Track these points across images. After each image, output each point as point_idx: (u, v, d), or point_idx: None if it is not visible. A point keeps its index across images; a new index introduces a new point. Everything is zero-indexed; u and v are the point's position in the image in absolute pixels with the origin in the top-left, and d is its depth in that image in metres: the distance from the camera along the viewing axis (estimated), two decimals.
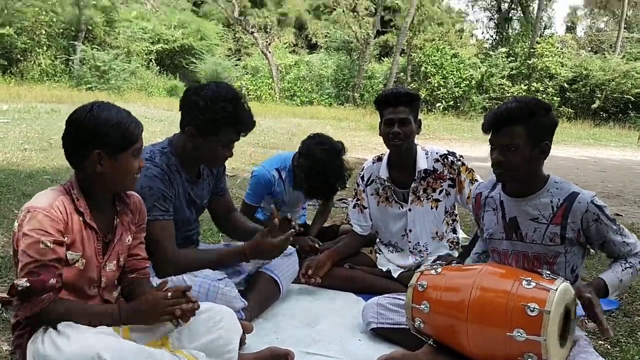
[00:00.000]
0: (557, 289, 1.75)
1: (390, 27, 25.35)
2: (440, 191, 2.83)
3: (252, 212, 3.25)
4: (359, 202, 2.97)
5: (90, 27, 19.83)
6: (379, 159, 2.92)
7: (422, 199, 2.83)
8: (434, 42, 22.78)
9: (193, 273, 2.22)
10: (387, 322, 2.27)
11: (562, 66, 21.81)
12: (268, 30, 28.78)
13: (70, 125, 1.67)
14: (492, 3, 25.26)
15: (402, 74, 22.73)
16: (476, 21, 31.73)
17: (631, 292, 2.95)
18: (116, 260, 1.81)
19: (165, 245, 2.18)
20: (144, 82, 19.88)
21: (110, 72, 18.55)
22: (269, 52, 21.79)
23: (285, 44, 28.49)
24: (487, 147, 2.07)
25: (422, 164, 2.79)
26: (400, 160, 2.82)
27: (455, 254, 2.86)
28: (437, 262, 2.17)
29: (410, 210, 2.84)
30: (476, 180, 2.79)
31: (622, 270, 1.98)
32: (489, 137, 2.04)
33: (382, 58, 27.85)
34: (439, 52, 21.80)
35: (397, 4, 25.90)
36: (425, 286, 1.99)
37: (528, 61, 21.77)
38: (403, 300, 2.12)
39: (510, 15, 24.42)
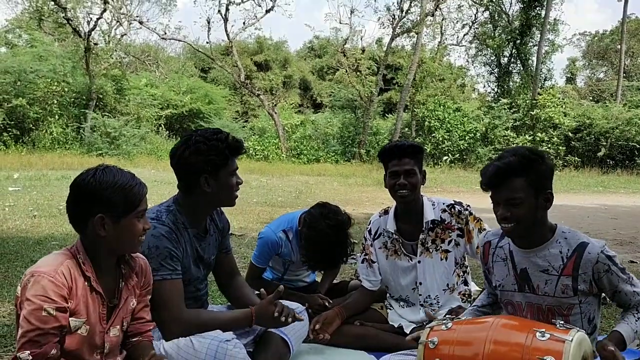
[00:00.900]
0: (572, 339, 1.70)
1: (393, 85, 25.93)
2: (450, 241, 2.80)
3: (259, 274, 3.21)
4: (367, 256, 2.93)
5: (101, 96, 20.38)
6: (386, 212, 2.91)
7: (431, 250, 2.80)
8: (436, 97, 23.19)
9: (201, 334, 2.17)
10: None
11: (565, 116, 22.03)
12: (274, 92, 29.54)
13: (73, 190, 1.68)
14: (491, 58, 25.82)
15: (406, 129, 23.04)
16: (477, 75, 32.30)
17: None
18: (120, 325, 1.78)
19: (174, 304, 2.14)
20: (154, 147, 20.21)
21: (120, 137, 18.90)
22: (275, 113, 22.22)
23: (291, 104, 29.14)
24: None
25: (430, 214, 2.77)
26: (408, 212, 2.81)
27: (467, 306, 2.79)
28: (447, 316, 2.12)
29: (419, 262, 2.80)
30: (484, 229, 2.76)
31: (636, 320, 1.95)
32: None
33: (387, 114, 28.35)
34: (442, 107, 22.16)
35: (398, 62, 26.62)
36: (436, 343, 1.93)
37: (531, 112, 22.03)
38: (415, 357, 2.06)
39: (510, 68, 24.92)
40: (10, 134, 17.98)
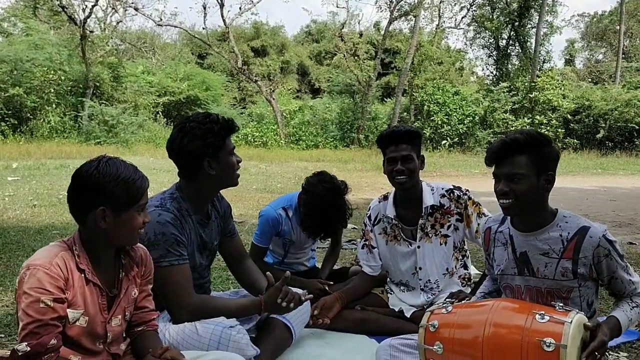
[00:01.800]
0: (571, 321, 1.71)
1: (391, 69, 25.82)
2: (449, 226, 2.81)
3: (261, 254, 3.24)
4: (367, 242, 2.95)
5: (97, 84, 20.31)
6: (385, 197, 2.92)
7: (430, 235, 2.81)
8: (435, 81, 23.10)
9: (206, 320, 2.19)
10: None
11: (563, 98, 21.99)
12: (271, 78, 29.39)
13: (76, 180, 1.66)
14: (490, 40, 25.67)
15: (405, 113, 22.98)
16: (475, 58, 32.14)
17: None
18: (122, 314, 1.78)
19: (182, 289, 2.16)
20: (152, 134, 20.19)
21: (118, 126, 18.88)
22: (273, 99, 22.14)
23: (289, 90, 29.00)
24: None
25: (429, 200, 2.78)
26: (407, 197, 2.81)
27: (467, 290, 2.81)
28: (448, 299, 2.13)
29: (419, 247, 2.82)
30: (483, 214, 2.77)
31: (630, 309, 1.97)
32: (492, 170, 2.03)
33: (385, 99, 28.26)
34: (441, 91, 22.07)
35: (396, 46, 26.47)
36: (436, 326, 1.95)
37: (529, 95, 21.98)
38: (416, 340, 2.08)
39: (508, 51, 24.80)
40: (7, 123, 17.95)
